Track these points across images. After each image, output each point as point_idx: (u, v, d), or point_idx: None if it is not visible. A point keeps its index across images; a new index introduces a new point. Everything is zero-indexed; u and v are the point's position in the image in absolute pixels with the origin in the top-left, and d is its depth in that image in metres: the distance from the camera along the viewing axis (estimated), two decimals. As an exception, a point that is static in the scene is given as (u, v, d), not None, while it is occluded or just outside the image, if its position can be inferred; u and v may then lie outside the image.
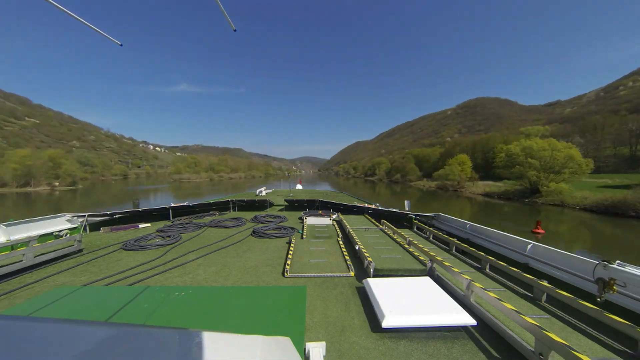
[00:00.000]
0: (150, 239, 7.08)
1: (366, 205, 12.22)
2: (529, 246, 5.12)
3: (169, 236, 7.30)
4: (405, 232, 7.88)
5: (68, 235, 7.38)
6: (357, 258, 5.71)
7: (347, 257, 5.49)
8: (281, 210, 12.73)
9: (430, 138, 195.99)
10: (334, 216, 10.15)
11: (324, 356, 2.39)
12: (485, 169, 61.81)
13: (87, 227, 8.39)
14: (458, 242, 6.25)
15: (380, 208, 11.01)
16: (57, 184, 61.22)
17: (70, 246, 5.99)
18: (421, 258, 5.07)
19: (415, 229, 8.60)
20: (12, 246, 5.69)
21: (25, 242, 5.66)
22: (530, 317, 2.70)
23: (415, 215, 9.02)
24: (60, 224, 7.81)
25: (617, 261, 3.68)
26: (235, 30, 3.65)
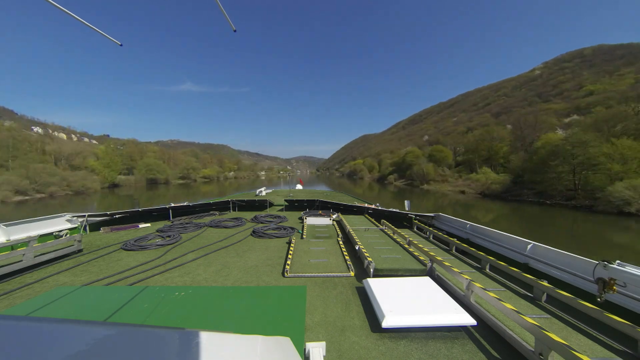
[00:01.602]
0: (150, 239, 7.08)
1: (366, 205, 12.22)
2: (529, 246, 5.12)
3: (169, 236, 7.30)
4: (405, 232, 7.87)
5: (68, 235, 7.39)
6: (357, 258, 5.71)
7: (347, 257, 5.49)
8: (281, 210, 12.73)
9: (547, 103, 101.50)
10: (334, 216, 10.14)
11: (324, 356, 2.39)
12: None
13: (87, 227, 8.39)
14: (458, 242, 6.24)
15: (380, 208, 11.01)
16: None
17: (70, 246, 5.99)
18: (421, 258, 5.07)
19: (415, 229, 8.59)
20: (12, 246, 5.69)
21: (25, 242, 5.66)
22: (530, 317, 2.70)
23: (415, 215, 9.01)
24: (60, 224, 7.81)
25: (617, 261, 3.68)
26: (235, 31, 3.64)
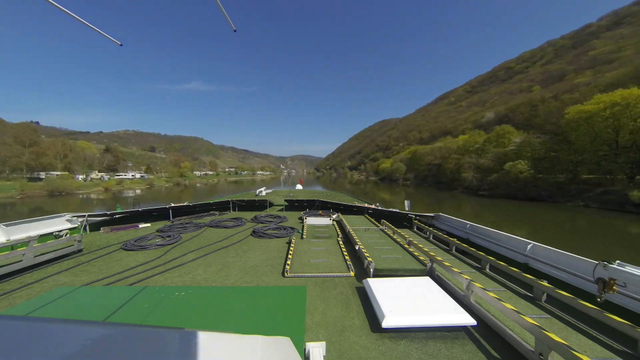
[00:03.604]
0: (150, 239, 7.08)
1: (366, 205, 12.23)
2: (529, 246, 5.12)
3: (169, 236, 7.30)
4: (405, 232, 7.87)
5: (68, 235, 7.38)
6: (357, 258, 5.71)
7: (347, 257, 5.49)
8: (281, 210, 12.73)
9: None
10: (334, 216, 10.15)
11: (324, 356, 2.39)
12: None
13: (87, 227, 8.39)
14: (458, 242, 6.25)
15: (380, 208, 11.02)
16: None
17: (70, 246, 5.99)
18: (421, 258, 5.07)
19: (415, 229, 8.59)
20: (12, 246, 5.69)
21: (25, 242, 5.66)
22: (530, 317, 2.70)
23: (415, 215, 9.02)
24: (60, 224, 7.81)
25: (617, 261, 3.69)
26: (235, 31, 3.64)
